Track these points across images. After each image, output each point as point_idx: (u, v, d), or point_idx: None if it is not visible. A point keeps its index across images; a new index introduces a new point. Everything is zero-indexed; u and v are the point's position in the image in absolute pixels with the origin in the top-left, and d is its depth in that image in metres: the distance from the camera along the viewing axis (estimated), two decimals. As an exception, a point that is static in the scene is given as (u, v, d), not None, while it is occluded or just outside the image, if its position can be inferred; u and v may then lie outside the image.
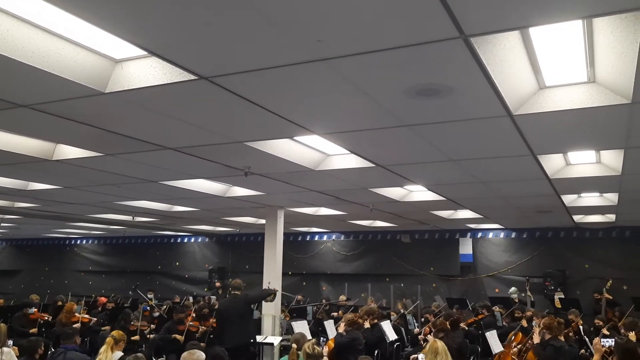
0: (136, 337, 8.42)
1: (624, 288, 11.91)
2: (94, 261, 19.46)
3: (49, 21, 2.88)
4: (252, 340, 7.67)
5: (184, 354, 4.09)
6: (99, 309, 10.92)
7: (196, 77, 3.23)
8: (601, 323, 8.62)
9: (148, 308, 10.74)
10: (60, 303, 10.46)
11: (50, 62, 3.06)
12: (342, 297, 12.87)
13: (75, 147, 5.46)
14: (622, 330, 7.39)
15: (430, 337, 7.40)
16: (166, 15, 2.50)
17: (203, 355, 4.12)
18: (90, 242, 19.73)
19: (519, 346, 7.54)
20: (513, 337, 7.93)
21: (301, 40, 2.72)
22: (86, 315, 9.71)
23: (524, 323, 8.29)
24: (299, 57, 2.93)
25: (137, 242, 18.70)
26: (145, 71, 3.30)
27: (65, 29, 2.97)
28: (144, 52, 3.03)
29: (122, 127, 4.49)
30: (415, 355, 6.99)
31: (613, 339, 5.91)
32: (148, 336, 9.07)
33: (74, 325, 8.21)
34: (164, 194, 8.53)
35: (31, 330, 8.84)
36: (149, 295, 13.77)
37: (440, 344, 4.82)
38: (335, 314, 11.06)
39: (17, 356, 6.28)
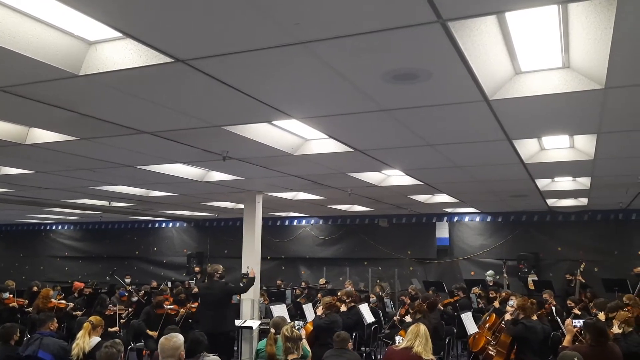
0: (115, 329, 8.26)
1: (595, 270, 12.25)
2: (70, 247, 19.22)
3: (19, 1, 2.80)
4: (230, 329, 7.67)
5: (162, 339, 4.01)
6: (75, 294, 10.82)
7: (172, 60, 3.18)
8: (573, 304, 8.84)
9: (126, 293, 10.68)
10: (35, 288, 10.33)
11: (21, 43, 2.98)
12: (322, 280, 12.99)
13: (49, 131, 5.36)
14: (594, 311, 7.59)
15: (407, 318, 7.53)
16: (141, -4, 2.45)
17: (182, 339, 4.07)
18: (66, 227, 19.46)
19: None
20: (488, 318, 8.10)
21: (279, 23, 2.69)
22: (62, 301, 9.61)
23: (496, 304, 8.45)
24: (276, 40, 2.91)
25: (114, 228, 18.50)
26: (121, 53, 3.24)
27: (36, 9, 2.89)
28: (118, 34, 2.97)
29: (97, 111, 4.42)
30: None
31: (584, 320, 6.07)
32: (122, 321, 8.99)
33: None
34: (141, 179, 8.44)
35: (11, 305, 8.75)
36: (126, 280, 13.70)
37: (422, 327, 4.87)
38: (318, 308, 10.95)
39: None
